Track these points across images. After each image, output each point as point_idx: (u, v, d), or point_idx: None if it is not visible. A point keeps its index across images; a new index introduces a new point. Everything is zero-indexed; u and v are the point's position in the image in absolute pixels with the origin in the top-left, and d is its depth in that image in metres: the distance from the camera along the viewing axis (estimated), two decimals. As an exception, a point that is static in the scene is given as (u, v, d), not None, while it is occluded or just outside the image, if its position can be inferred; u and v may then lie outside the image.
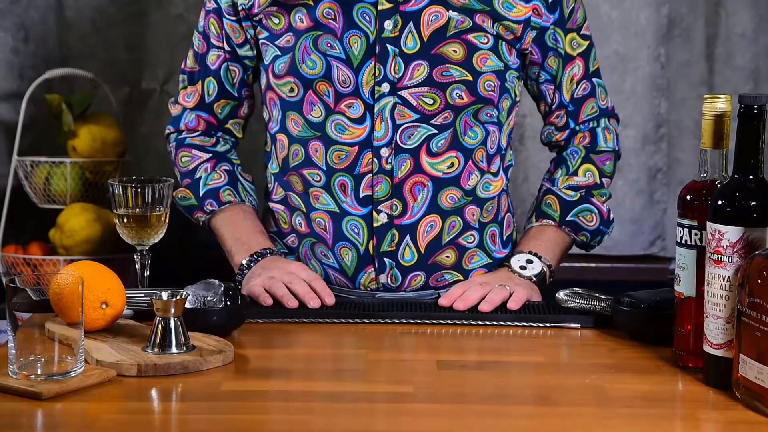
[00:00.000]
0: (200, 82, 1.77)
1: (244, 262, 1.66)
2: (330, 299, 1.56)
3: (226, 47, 1.73)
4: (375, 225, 1.65)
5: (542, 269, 1.67)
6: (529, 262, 1.67)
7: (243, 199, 1.76)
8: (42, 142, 2.54)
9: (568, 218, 1.73)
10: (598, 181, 1.76)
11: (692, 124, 2.69)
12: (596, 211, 1.74)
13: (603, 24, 2.64)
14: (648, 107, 2.66)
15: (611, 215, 1.77)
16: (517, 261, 1.67)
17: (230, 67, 1.75)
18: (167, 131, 1.84)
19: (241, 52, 1.73)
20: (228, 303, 1.42)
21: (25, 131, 2.40)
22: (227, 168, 1.77)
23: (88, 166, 2.40)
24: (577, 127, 1.77)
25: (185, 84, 1.80)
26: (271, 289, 1.56)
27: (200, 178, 1.76)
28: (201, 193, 1.75)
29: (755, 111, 1.19)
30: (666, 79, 2.68)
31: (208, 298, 1.42)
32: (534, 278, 1.65)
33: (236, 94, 1.77)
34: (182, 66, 1.80)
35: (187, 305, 1.38)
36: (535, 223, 1.75)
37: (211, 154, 1.78)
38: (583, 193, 1.74)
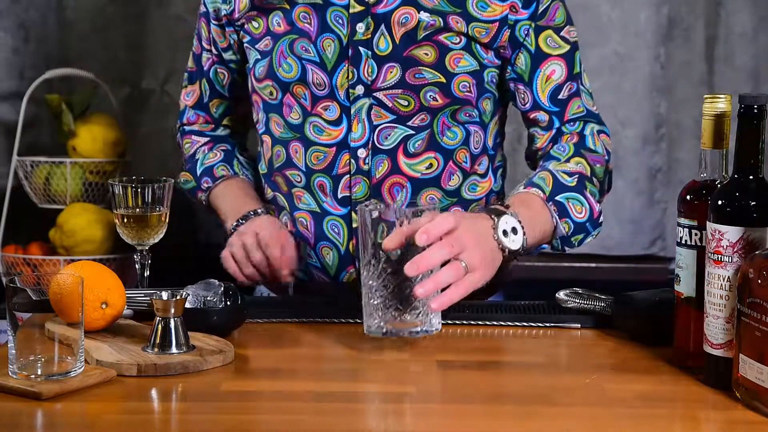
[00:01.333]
0: (197, 82, 1.81)
1: (231, 226, 1.69)
2: (286, 269, 1.61)
3: (214, 51, 1.77)
4: (354, 225, 1.65)
5: (520, 246, 1.45)
6: (514, 231, 1.44)
7: (237, 172, 1.80)
8: (42, 142, 2.55)
9: (557, 198, 1.56)
10: (589, 175, 1.62)
11: (692, 124, 2.69)
12: (587, 205, 1.58)
13: (603, 24, 2.64)
14: (648, 107, 2.67)
15: (602, 218, 1.62)
16: (505, 222, 1.43)
17: (218, 70, 1.78)
18: (177, 127, 1.90)
19: (225, 56, 1.76)
20: (228, 303, 1.42)
21: (25, 131, 2.40)
22: (224, 148, 1.83)
23: (88, 166, 2.40)
24: (564, 128, 1.67)
25: (186, 83, 1.84)
26: (234, 255, 1.63)
27: (198, 159, 1.81)
28: (198, 173, 1.80)
29: (755, 111, 1.19)
30: (666, 79, 2.68)
31: (208, 298, 1.42)
32: (507, 252, 1.43)
33: (227, 95, 1.81)
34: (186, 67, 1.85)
35: (187, 305, 1.38)
36: (522, 189, 1.56)
37: (209, 138, 1.84)
38: (578, 181, 1.59)
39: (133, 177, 1.58)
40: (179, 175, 1.83)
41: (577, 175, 1.60)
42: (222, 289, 1.42)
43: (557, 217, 1.55)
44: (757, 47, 2.68)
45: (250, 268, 1.62)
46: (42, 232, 2.40)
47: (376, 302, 1.32)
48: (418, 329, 1.32)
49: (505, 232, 1.43)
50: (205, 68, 1.79)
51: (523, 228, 1.45)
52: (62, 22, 2.69)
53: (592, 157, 1.64)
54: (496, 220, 1.43)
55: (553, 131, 1.67)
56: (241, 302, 1.43)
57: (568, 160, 1.62)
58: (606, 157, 1.67)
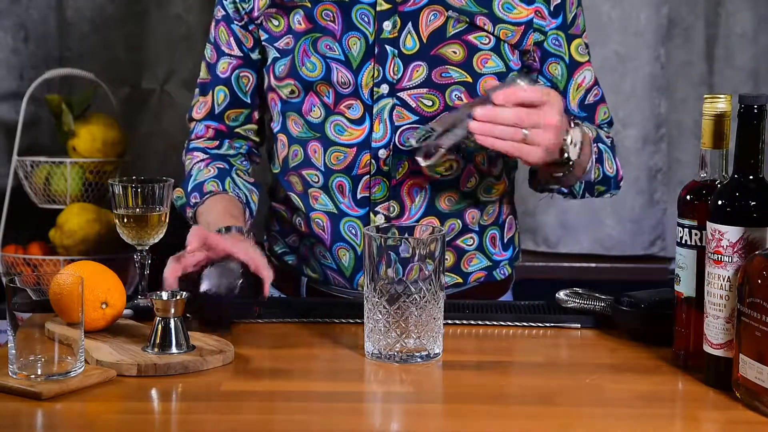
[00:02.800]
0: (210, 92, 1.74)
1: None
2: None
3: (238, 53, 1.71)
4: (369, 226, 1.64)
5: (575, 158, 1.50)
6: (575, 146, 1.49)
7: (226, 189, 1.69)
8: (42, 142, 2.55)
9: (599, 144, 1.64)
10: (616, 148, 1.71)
11: (692, 124, 2.70)
12: (615, 166, 1.68)
13: (603, 24, 2.64)
14: (648, 107, 2.67)
15: (622, 182, 1.71)
16: (575, 133, 1.49)
17: (242, 74, 1.72)
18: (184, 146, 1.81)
19: (253, 56, 1.71)
20: (244, 287, 1.41)
21: (25, 131, 2.40)
22: (221, 166, 1.72)
23: (88, 166, 2.40)
24: None
25: (197, 97, 1.77)
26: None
27: (192, 175, 1.72)
28: (189, 188, 1.70)
29: (755, 111, 1.19)
30: (666, 79, 2.68)
31: (228, 280, 1.41)
32: (566, 156, 1.49)
33: (248, 101, 1.74)
34: (197, 80, 1.78)
35: (204, 288, 1.38)
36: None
37: (209, 156, 1.75)
38: (611, 144, 1.68)
39: (133, 177, 1.57)
40: (174, 190, 1.71)
41: (611, 140, 1.69)
42: (241, 270, 1.41)
43: (594, 160, 1.61)
44: (757, 47, 2.68)
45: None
46: (42, 232, 2.40)
47: (377, 326, 1.31)
48: (418, 354, 1.32)
49: (572, 140, 1.48)
50: (224, 75, 1.72)
51: (580, 149, 1.51)
52: (62, 22, 2.70)
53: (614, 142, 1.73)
54: (572, 126, 1.49)
55: None
56: (257, 286, 1.43)
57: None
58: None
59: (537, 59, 1.67)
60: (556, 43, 1.66)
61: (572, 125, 1.49)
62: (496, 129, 1.40)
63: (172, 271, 1.43)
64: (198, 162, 1.74)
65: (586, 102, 1.70)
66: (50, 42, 2.69)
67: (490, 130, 1.40)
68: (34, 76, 2.50)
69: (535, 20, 1.63)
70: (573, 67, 1.69)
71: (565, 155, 1.49)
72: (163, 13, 2.70)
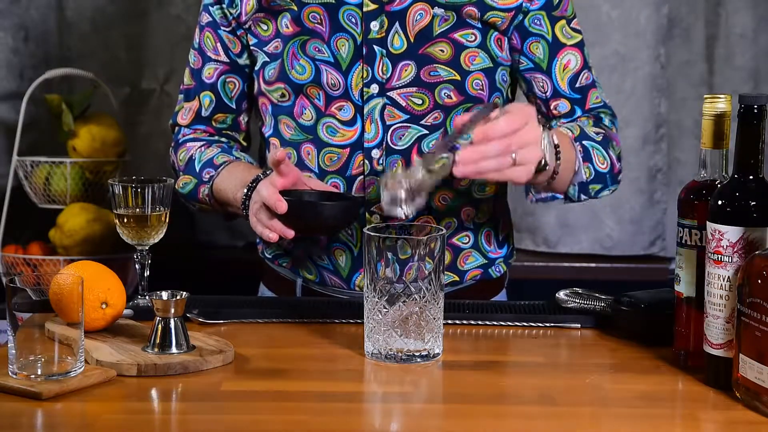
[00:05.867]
0: (196, 97, 1.74)
1: (242, 195, 1.57)
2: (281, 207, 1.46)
3: (225, 58, 1.70)
4: (367, 227, 1.63)
5: (554, 161, 1.48)
6: (547, 150, 1.44)
7: (238, 157, 1.70)
8: (42, 142, 2.55)
9: (584, 142, 1.59)
10: (611, 140, 1.66)
11: (692, 124, 2.70)
12: (609, 161, 1.62)
13: (603, 24, 2.64)
14: (648, 107, 2.67)
15: (621, 175, 1.65)
16: (547, 136, 1.44)
17: (228, 80, 1.72)
18: (170, 151, 1.79)
19: (240, 61, 1.70)
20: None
21: (25, 131, 2.40)
22: (221, 145, 1.73)
23: (88, 166, 2.40)
24: (584, 116, 1.69)
25: (182, 103, 1.76)
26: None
27: (195, 158, 1.71)
28: (198, 169, 1.69)
29: (755, 111, 1.19)
30: (666, 79, 2.68)
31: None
32: (543, 164, 1.43)
33: (234, 107, 1.74)
34: (180, 86, 1.77)
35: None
36: (548, 129, 1.51)
37: (204, 141, 1.74)
38: (603, 137, 1.63)
39: (133, 177, 1.57)
40: (178, 180, 1.72)
41: (602, 134, 1.64)
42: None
43: (581, 159, 1.58)
44: (757, 47, 2.68)
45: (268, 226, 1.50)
46: (42, 232, 2.40)
47: (377, 326, 1.31)
48: (418, 354, 1.32)
49: (556, 146, 1.47)
50: (210, 80, 1.71)
51: (557, 149, 1.48)
52: (62, 22, 2.70)
53: (610, 133, 1.67)
54: (553, 136, 1.46)
55: (571, 120, 1.69)
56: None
57: (590, 126, 1.66)
58: (620, 143, 1.70)
59: (517, 39, 1.65)
60: (537, 22, 1.64)
61: (551, 135, 1.46)
62: (484, 165, 1.35)
63: (272, 194, 1.45)
64: (197, 149, 1.72)
65: (577, 85, 1.68)
66: (50, 42, 2.69)
67: (475, 170, 1.35)
68: (34, 76, 2.50)
69: (524, 4, 1.62)
70: (556, 47, 1.66)
71: (541, 162, 1.43)
72: (163, 13, 2.70)
